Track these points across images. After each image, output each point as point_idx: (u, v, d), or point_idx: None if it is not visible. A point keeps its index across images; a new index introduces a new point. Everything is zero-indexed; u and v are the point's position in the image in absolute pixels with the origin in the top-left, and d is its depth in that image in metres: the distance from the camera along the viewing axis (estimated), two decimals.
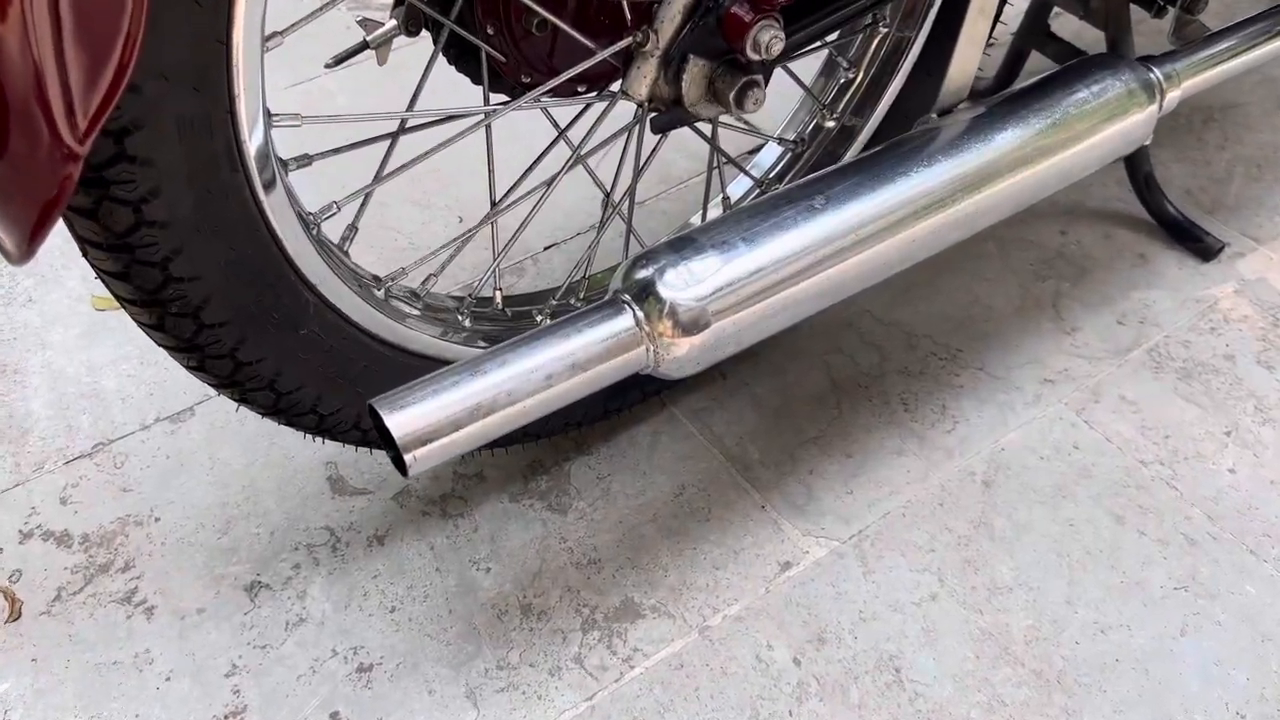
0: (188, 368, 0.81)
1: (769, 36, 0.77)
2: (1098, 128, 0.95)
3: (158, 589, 1.06)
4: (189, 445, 1.18)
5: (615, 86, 0.88)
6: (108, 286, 0.75)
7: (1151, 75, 1.01)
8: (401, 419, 0.70)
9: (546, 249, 1.40)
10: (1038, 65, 1.38)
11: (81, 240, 0.72)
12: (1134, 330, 1.29)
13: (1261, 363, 1.25)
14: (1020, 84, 1.01)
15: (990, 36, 1.09)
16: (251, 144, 0.72)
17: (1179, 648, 1.01)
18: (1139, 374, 1.25)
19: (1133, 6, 1.25)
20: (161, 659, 1.00)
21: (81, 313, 1.33)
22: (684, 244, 0.81)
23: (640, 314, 0.79)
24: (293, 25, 0.78)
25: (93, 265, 0.73)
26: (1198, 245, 1.37)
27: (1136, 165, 1.39)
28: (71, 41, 0.57)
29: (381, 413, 0.70)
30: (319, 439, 1.04)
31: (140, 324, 0.77)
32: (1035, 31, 1.40)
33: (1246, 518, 1.11)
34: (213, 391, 1.22)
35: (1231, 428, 1.19)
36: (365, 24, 0.94)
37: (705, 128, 1.05)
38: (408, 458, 0.70)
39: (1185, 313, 1.31)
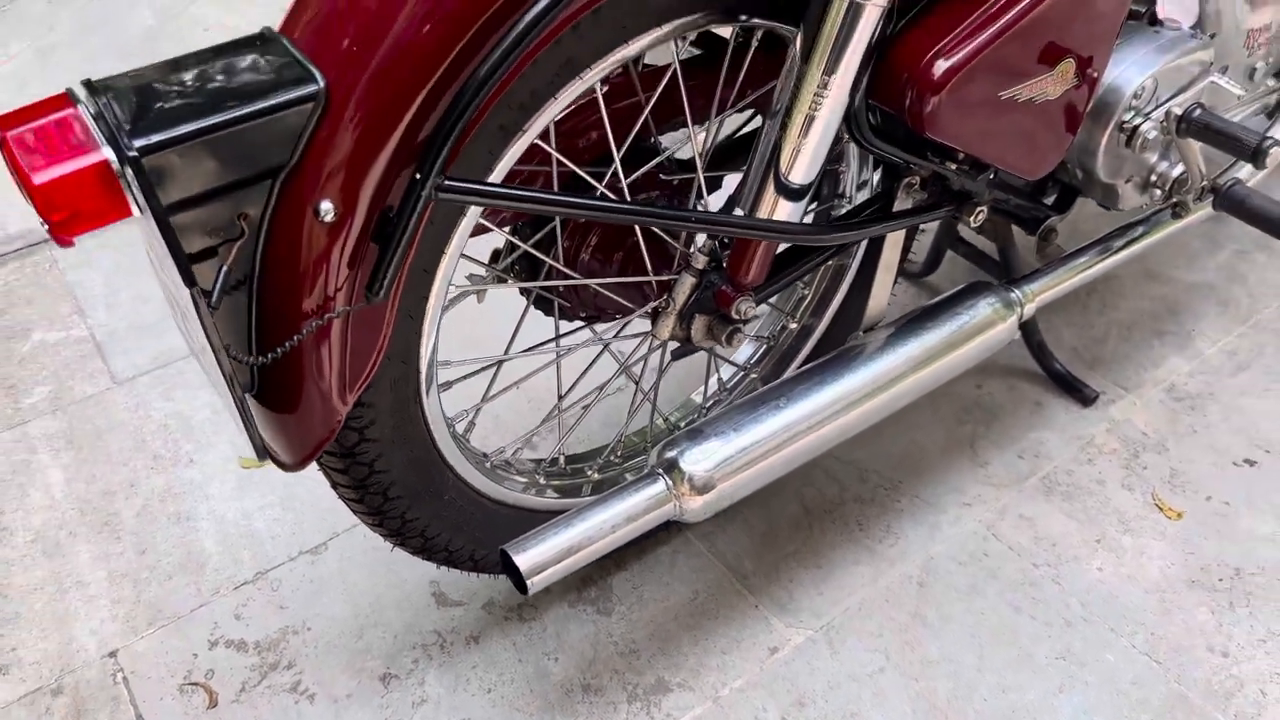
0: (370, 525, 1.23)
1: (745, 306, 1.21)
2: (973, 337, 1.38)
3: (315, 680, 1.45)
4: (326, 572, 1.58)
5: (646, 327, 1.32)
6: (330, 479, 1.17)
7: (1013, 294, 1.45)
8: (524, 557, 1.11)
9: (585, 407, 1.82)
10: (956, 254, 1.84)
11: None
12: (1030, 462, 1.72)
13: (1125, 486, 1.67)
14: (919, 305, 1.44)
15: (904, 261, 1.54)
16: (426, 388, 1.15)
17: (1058, 702, 1.40)
18: (1034, 497, 1.66)
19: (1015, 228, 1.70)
20: None
21: (231, 470, 1.74)
22: (696, 434, 1.24)
23: (669, 481, 1.21)
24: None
25: (321, 466, 1.15)
26: (1079, 394, 1.80)
27: (1030, 333, 1.83)
28: (350, 352, 1.00)
29: (511, 554, 1.12)
30: (438, 566, 1.45)
31: (345, 499, 1.19)
32: (948, 236, 1.86)
33: (1109, 605, 1.51)
34: (340, 529, 1.63)
35: (1100, 536, 1.60)
36: (472, 279, 1.38)
37: None
38: (529, 582, 1.11)
39: (1069, 448, 1.74)
